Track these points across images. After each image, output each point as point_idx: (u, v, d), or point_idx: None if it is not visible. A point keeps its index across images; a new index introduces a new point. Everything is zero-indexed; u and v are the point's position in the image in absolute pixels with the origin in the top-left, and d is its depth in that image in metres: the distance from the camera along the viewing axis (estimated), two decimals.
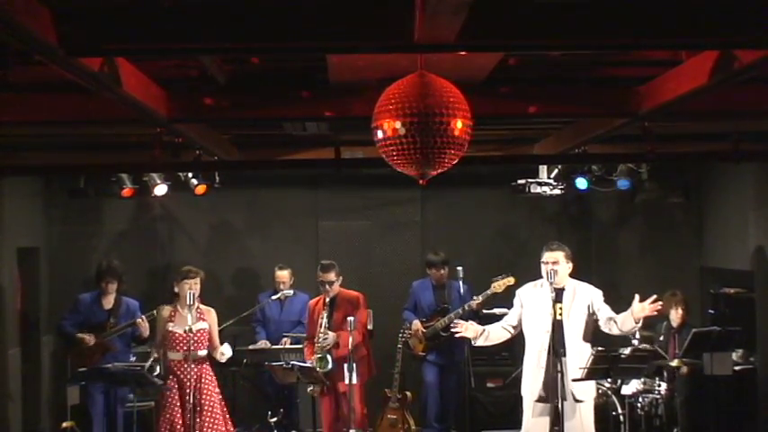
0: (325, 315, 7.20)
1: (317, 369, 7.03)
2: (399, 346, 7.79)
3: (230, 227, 9.24)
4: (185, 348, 6.35)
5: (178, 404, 6.38)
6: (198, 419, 6.34)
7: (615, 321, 5.85)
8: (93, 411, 7.12)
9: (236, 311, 7.77)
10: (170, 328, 6.47)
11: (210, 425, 6.42)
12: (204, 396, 6.45)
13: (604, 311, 5.93)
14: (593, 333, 5.99)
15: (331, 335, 7.07)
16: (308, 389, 7.16)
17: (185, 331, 6.33)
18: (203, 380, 6.48)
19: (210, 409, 6.47)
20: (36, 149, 7.26)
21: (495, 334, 6.07)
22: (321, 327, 7.17)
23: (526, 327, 5.94)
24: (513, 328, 6.06)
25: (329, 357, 7.07)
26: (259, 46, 3.62)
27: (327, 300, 7.22)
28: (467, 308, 7.40)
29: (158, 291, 8.69)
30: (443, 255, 8.09)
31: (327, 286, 7.22)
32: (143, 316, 7.11)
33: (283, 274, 8.16)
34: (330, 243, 9.15)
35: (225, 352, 6.66)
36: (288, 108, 5.21)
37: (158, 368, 6.85)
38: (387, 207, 9.26)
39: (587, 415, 5.88)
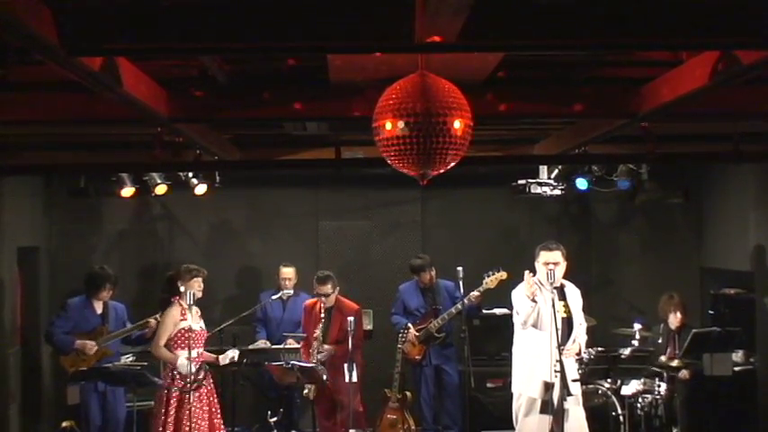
0: (320, 328, 7.24)
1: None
2: (399, 346, 7.79)
3: (230, 227, 9.24)
4: (198, 345, 6.34)
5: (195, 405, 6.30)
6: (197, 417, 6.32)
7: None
8: (90, 412, 7.00)
9: (236, 311, 7.75)
10: (186, 326, 6.35)
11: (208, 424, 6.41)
12: (206, 395, 6.44)
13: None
14: None
15: (328, 348, 7.15)
16: (304, 391, 7.18)
17: (201, 328, 6.39)
18: (206, 380, 6.47)
19: (211, 408, 6.45)
20: (36, 149, 7.26)
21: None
22: (317, 341, 7.22)
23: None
24: None
25: (324, 369, 7.13)
26: (259, 46, 3.61)
27: (323, 309, 7.27)
28: (460, 306, 7.41)
29: (158, 290, 8.68)
30: (427, 256, 8.09)
31: (323, 298, 7.32)
32: (151, 319, 6.95)
33: (288, 272, 8.16)
34: (330, 243, 9.16)
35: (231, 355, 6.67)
36: (288, 108, 5.20)
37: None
38: (387, 207, 9.25)
39: (581, 410, 5.92)
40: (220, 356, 6.68)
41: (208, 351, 6.77)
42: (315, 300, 7.46)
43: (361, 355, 7.35)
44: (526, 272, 5.94)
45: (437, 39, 3.31)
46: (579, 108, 5.28)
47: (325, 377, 7.09)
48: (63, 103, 5.02)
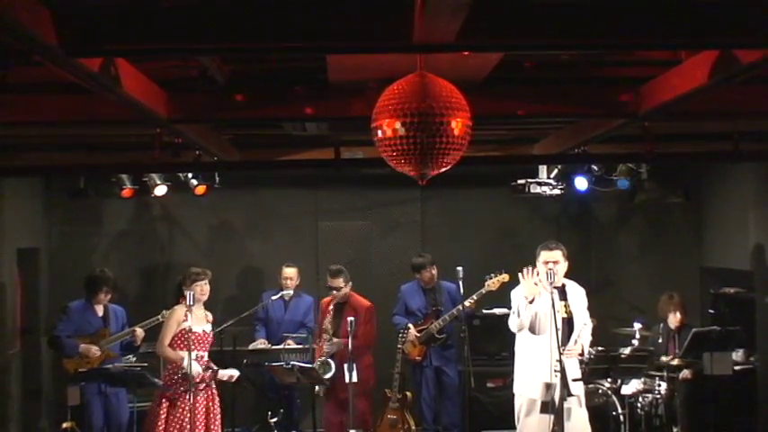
0: (329, 320, 7.27)
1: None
2: (400, 346, 7.79)
3: (230, 227, 9.25)
4: (198, 348, 6.33)
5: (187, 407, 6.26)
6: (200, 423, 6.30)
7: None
8: (93, 414, 6.94)
9: (235, 312, 7.76)
10: (186, 327, 6.30)
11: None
12: (205, 399, 6.42)
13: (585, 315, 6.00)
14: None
15: (336, 342, 7.16)
16: (316, 389, 7.20)
17: (203, 331, 6.38)
18: (210, 383, 6.44)
19: (209, 414, 6.43)
20: (36, 149, 7.26)
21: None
22: (326, 333, 7.24)
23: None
24: None
25: (332, 363, 7.16)
26: (259, 46, 3.61)
27: (334, 303, 7.29)
28: (462, 308, 7.40)
29: (158, 291, 8.71)
30: (429, 255, 8.10)
31: (335, 291, 7.30)
32: (137, 327, 6.99)
33: (290, 272, 8.13)
34: (330, 243, 9.16)
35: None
36: (287, 108, 5.20)
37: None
38: (387, 207, 9.26)
39: (584, 411, 5.91)
40: (221, 371, 6.60)
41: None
42: (331, 297, 7.48)
43: (368, 356, 7.35)
44: (520, 273, 5.90)
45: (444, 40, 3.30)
46: (579, 108, 5.28)
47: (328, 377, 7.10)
48: (62, 105, 5.02)
